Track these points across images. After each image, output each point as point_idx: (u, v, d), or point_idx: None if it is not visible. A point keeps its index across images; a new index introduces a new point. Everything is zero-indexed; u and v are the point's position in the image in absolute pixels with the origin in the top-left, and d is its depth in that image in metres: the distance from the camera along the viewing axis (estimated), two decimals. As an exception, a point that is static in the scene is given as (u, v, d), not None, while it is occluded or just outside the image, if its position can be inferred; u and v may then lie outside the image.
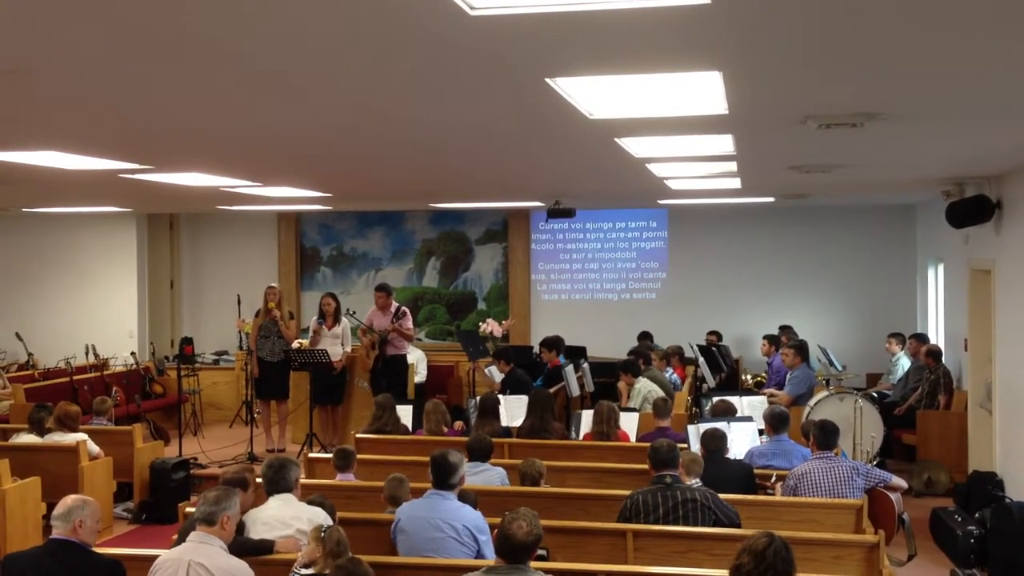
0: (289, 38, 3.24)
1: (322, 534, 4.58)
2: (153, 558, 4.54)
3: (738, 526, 5.63)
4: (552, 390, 9.86)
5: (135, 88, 4.13)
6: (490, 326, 13.22)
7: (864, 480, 6.35)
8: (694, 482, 5.86)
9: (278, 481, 5.16)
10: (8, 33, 3.13)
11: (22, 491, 7.30)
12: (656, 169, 7.65)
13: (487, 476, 6.52)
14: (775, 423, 7.06)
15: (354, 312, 11.13)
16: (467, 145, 6.29)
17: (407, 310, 10.93)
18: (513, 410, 8.87)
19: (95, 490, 7.80)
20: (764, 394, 9.88)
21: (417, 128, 5.43)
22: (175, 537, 4.97)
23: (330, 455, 7.15)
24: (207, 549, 4.40)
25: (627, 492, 5.86)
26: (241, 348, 13.50)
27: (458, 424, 8.99)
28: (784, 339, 11.44)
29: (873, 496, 6.32)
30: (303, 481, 5.59)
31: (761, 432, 7.48)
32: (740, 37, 3.29)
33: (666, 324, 13.35)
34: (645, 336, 12.43)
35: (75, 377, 11.31)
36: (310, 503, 5.24)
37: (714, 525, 5.59)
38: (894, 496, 6.43)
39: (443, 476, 5.35)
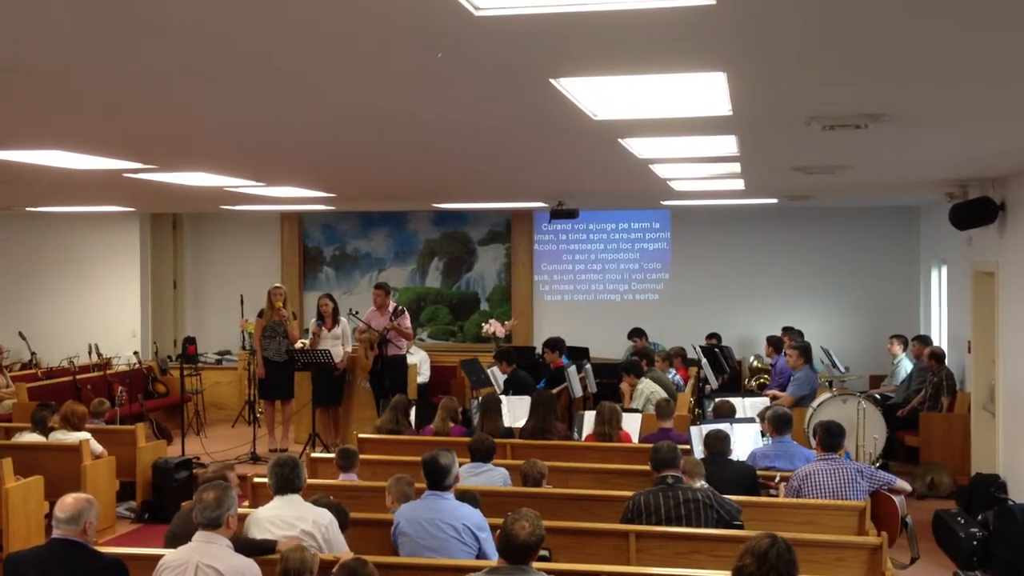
0: (296, 37, 3.24)
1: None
2: (156, 557, 4.52)
3: (737, 520, 5.64)
4: (555, 391, 9.86)
5: (141, 87, 4.13)
6: (493, 327, 13.24)
7: (868, 483, 6.33)
8: (699, 483, 5.86)
9: (292, 480, 5.10)
10: (13, 29, 3.13)
11: (25, 490, 7.32)
12: (659, 170, 7.65)
13: (489, 476, 6.52)
14: (778, 424, 7.03)
15: (357, 312, 11.12)
16: (471, 145, 6.30)
17: (405, 309, 10.92)
18: (516, 411, 8.86)
19: (98, 489, 7.81)
20: (767, 395, 9.87)
21: (422, 128, 5.43)
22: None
23: (332, 455, 7.15)
24: (215, 549, 4.35)
25: (630, 493, 5.86)
26: (244, 348, 13.51)
27: None
28: (787, 340, 11.41)
29: (876, 498, 6.30)
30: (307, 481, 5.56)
31: (763, 434, 7.47)
32: (745, 38, 3.29)
33: (669, 325, 13.32)
34: (637, 332, 12.32)
35: (78, 376, 11.31)
36: (315, 503, 5.21)
37: (717, 524, 5.60)
38: (898, 499, 6.41)
39: (437, 479, 5.35)
